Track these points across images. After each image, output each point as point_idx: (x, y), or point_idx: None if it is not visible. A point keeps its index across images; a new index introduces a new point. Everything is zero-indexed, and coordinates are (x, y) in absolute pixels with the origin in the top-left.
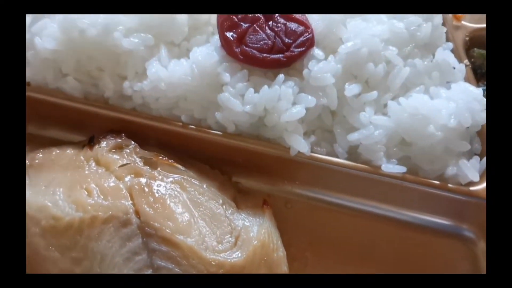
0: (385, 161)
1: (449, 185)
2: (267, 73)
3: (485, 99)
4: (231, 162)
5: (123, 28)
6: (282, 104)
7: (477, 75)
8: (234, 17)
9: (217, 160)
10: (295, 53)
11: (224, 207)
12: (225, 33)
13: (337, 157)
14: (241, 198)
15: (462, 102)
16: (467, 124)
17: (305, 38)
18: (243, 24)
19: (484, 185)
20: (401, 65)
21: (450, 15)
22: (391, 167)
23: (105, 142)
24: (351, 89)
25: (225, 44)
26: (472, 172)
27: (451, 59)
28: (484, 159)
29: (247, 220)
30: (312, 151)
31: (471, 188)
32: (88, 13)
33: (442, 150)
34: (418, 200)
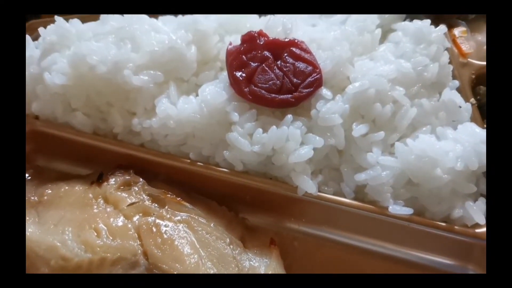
0: (392, 202)
1: (455, 227)
2: (275, 112)
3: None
4: (239, 199)
5: (133, 65)
6: (290, 145)
7: (484, 112)
8: (243, 56)
9: (224, 197)
10: (304, 93)
11: (232, 247)
12: (235, 72)
13: (344, 196)
14: (249, 236)
15: (468, 144)
16: (474, 168)
17: (313, 79)
18: (252, 63)
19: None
20: (408, 105)
21: (456, 52)
22: (398, 209)
23: (113, 179)
24: (359, 129)
25: (234, 83)
26: (478, 214)
27: (457, 98)
28: None
29: (254, 261)
30: (319, 191)
31: (477, 230)
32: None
33: (449, 191)
34: (424, 241)
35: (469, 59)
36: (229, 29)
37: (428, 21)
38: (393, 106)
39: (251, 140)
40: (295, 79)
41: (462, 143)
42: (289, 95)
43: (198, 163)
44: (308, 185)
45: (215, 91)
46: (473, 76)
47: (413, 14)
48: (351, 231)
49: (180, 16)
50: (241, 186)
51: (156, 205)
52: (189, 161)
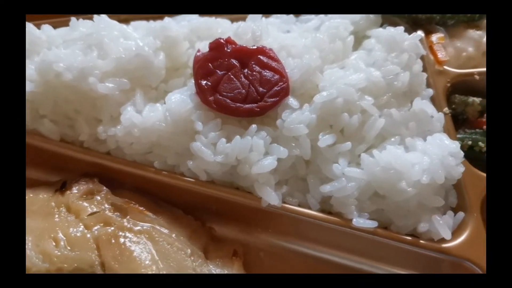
0: (356, 215)
1: (421, 241)
2: (242, 121)
3: (461, 153)
4: (205, 209)
5: (99, 73)
6: (253, 155)
7: (459, 121)
8: (209, 64)
9: (191, 206)
10: (269, 103)
11: (192, 258)
12: (200, 81)
13: (310, 207)
14: (213, 246)
15: (436, 157)
16: (440, 181)
17: (279, 88)
18: (218, 71)
19: (457, 241)
20: (377, 116)
21: (433, 59)
22: (362, 222)
23: (76, 188)
24: (325, 140)
25: (200, 92)
26: (444, 229)
27: (429, 108)
28: (459, 213)
29: (215, 272)
30: (284, 201)
31: (443, 245)
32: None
33: (415, 205)
34: (390, 254)
35: (445, 67)
36: (201, 34)
37: (402, 28)
38: (361, 116)
39: (214, 149)
40: (261, 88)
41: (430, 155)
42: (254, 105)
43: (163, 172)
44: (271, 197)
45: (181, 99)
46: (448, 85)
47: (395, 16)
48: (317, 243)
49: (151, 21)
50: (206, 196)
51: (118, 214)
52: (154, 170)
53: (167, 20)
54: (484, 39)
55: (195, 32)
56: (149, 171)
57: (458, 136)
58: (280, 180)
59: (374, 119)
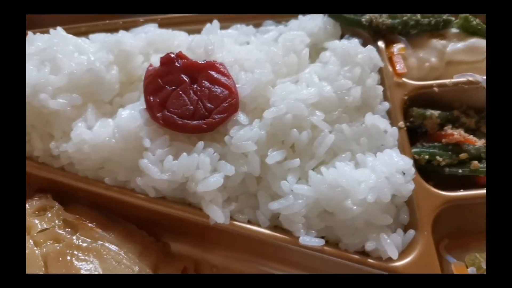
0: (303, 232)
1: (368, 260)
2: (191, 137)
3: (412, 169)
4: (159, 224)
5: (52, 88)
6: (199, 173)
7: (417, 134)
8: (159, 79)
9: (144, 221)
10: (216, 119)
11: None
12: (148, 97)
13: (260, 224)
14: (164, 263)
15: (383, 175)
16: (386, 200)
17: (227, 104)
18: (167, 87)
19: (405, 261)
20: (327, 131)
21: (391, 71)
22: (308, 240)
23: (29, 204)
24: (273, 157)
25: (148, 108)
26: (391, 248)
27: (382, 123)
28: (409, 231)
29: None
30: (234, 218)
31: (390, 264)
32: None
33: (362, 223)
34: (341, 271)
35: (404, 79)
36: (159, 47)
37: (356, 41)
38: (311, 132)
39: (162, 167)
40: (209, 104)
41: (377, 173)
42: (202, 121)
43: (114, 188)
44: (217, 215)
45: (131, 115)
46: (406, 97)
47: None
48: (268, 259)
49: (108, 34)
50: (157, 212)
51: (69, 230)
52: (104, 185)
53: (122, 33)
54: (448, 49)
55: (151, 44)
56: (100, 187)
57: (415, 150)
58: (230, 196)
59: (324, 135)
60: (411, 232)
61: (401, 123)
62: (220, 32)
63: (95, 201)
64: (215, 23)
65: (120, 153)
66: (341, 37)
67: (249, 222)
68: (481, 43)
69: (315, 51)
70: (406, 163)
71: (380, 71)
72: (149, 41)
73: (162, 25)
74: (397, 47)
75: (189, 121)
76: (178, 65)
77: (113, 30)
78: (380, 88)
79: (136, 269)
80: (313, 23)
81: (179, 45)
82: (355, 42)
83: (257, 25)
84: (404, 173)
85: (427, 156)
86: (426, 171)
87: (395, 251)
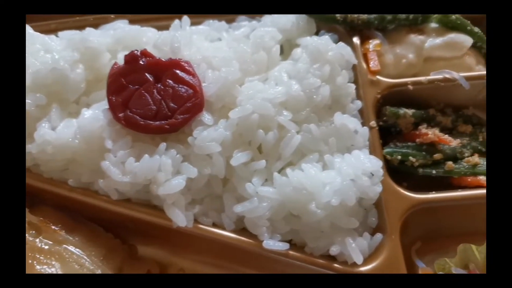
0: (267, 236)
1: (334, 264)
2: (155, 138)
3: (380, 171)
4: (124, 227)
5: None
6: (161, 176)
7: (392, 134)
8: (122, 78)
9: (111, 223)
10: (179, 120)
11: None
12: (111, 96)
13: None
14: (128, 266)
15: (349, 177)
16: (351, 203)
17: (191, 104)
18: (130, 86)
19: (371, 266)
20: (294, 132)
21: (365, 69)
22: (272, 244)
23: None
24: (237, 158)
25: (110, 108)
26: (355, 252)
27: (351, 123)
28: (377, 235)
29: None
30: (198, 221)
31: (355, 269)
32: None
33: (328, 226)
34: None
35: (378, 77)
36: (128, 44)
37: (327, 37)
38: (278, 133)
39: (124, 169)
40: (172, 104)
41: (343, 175)
42: (164, 122)
43: (78, 190)
44: (178, 218)
45: (94, 115)
46: (378, 96)
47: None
48: (234, 262)
49: (76, 32)
50: (121, 215)
51: (33, 233)
52: (68, 187)
53: (89, 30)
54: (426, 44)
55: (119, 42)
56: (64, 188)
57: (387, 150)
58: (194, 199)
59: (291, 135)
60: (379, 236)
61: (373, 123)
62: (189, 29)
63: (60, 203)
64: (185, 19)
65: (83, 154)
66: (317, 33)
67: (214, 225)
68: (460, 38)
69: (290, 47)
70: (374, 164)
71: (354, 68)
72: (117, 38)
73: (133, 21)
74: (372, 43)
75: (152, 122)
76: (142, 63)
77: (83, 27)
78: (352, 86)
79: (98, 272)
80: (285, 19)
81: (148, 42)
82: (326, 38)
83: (230, 21)
84: (372, 174)
85: (399, 157)
86: (400, 172)
87: (360, 255)
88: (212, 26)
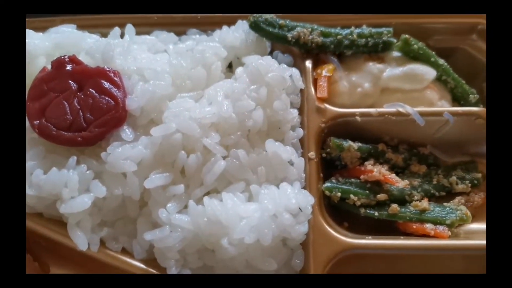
0: (175, 270)
1: None
2: (72, 150)
3: (309, 209)
4: (37, 242)
5: None
6: (65, 192)
7: (337, 167)
8: (45, 84)
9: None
10: (94, 133)
11: None
12: (29, 102)
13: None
14: None
15: (269, 213)
16: (266, 243)
17: (110, 117)
18: (52, 93)
19: None
20: (219, 156)
21: (314, 95)
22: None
23: None
24: (153, 180)
25: (27, 115)
26: None
27: (285, 152)
28: None
29: None
30: (106, 246)
31: None
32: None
33: (243, 266)
34: None
35: (326, 105)
36: (68, 50)
37: (268, 57)
38: (201, 156)
39: (31, 181)
40: (89, 115)
41: (263, 210)
42: (78, 133)
43: None
44: (79, 240)
45: None
46: (323, 125)
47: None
48: None
49: None
50: (29, 229)
51: None
52: None
53: (29, 33)
54: (384, 74)
55: (59, 46)
56: None
57: (327, 185)
58: (105, 220)
59: (214, 160)
60: None
61: (312, 154)
62: (134, 37)
63: None
64: (129, 27)
65: None
66: (271, 53)
67: (123, 251)
68: (421, 69)
69: (239, 65)
70: (302, 200)
71: (302, 94)
72: (56, 43)
73: (82, 26)
74: (326, 69)
75: (65, 133)
76: (68, 69)
77: (31, 29)
78: (293, 112)
79: None
80: (233, 36)
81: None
82: (268, 59)
83: (181, 33)
84: (301, 210)
85: (339, 193)
86: (343, 211)
87: None
88: (159, 37)
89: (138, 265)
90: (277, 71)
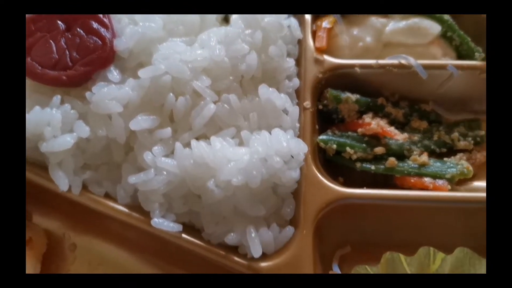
0: (158, 214)
1: (230, 256)
2: (57, 91)
3: (301, 155)
4: None
5: None
6: (47, 131)
7: (334, 120)
8: (32, 24)
9: None
10: (79, 71)
11: None
12: None
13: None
14: None
15: (259, 156)
16: (254, 185)
17: (96, 56)
18: (39, 32)
19: (273, 262)
20: (209, 100)
21: (312, 46)
22: (161, 223)
23: None
24: (138, 122)
25: None
26: (254, 245)
27: (279, 100)
28: (288, 228)
29: None
30: (89, 190)
31: (254, 264)
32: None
33: (231, 211)
34: (201, 264)
35: (325, 56)
36: None
37: None
38: (190, 99)
39: None
40: (75, 54)
41: (252, 153)
42: (63, 72)
43: None
44: (60, 181)
45: None
46: (320, 75)
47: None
48: (128, 242)
49: None
50: None
51: None
52: None
53: None
54: (387, 28)
55: None
56: None
57: (322, 137)
58: (88, 164)
59: (203, 104)
60: (289, 229)
61: (307, 103)
62: None
63: None
64: None
65: None
66: None
67: (106, 196)
68: (426, 23)
69: None
70: (294, 147)
71: (300, 44)
72: None
73: None
74: (326, 21)
75: (49, 71)
76: None
77: None
78: (290, 61)
79: None
80: None
81: None
82: None
83: None
84: (293, 157)
85: (335, 146)
86: (337, 164)
87: (259, 248)
88: None
89: (121, 209)
90: (274, 17)
